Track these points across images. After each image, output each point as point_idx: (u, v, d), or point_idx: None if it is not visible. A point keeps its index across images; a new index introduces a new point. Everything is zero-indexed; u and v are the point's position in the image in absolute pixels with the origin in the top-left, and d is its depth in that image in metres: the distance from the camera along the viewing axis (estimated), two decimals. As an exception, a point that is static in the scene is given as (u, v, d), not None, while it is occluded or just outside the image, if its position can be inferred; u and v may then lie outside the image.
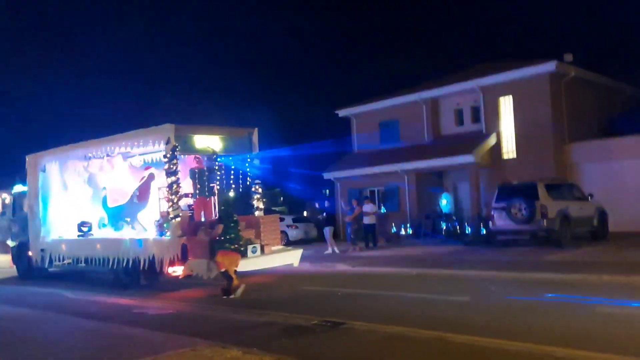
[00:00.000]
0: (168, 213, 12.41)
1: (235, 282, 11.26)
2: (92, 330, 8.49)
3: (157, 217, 13.12)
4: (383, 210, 23.28)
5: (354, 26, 75.23)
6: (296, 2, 76.13)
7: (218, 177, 13.52)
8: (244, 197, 13.98)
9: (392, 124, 24.75)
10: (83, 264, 14.40)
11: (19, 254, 16.90)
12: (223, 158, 13.75)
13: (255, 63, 77.83)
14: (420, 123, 23.67)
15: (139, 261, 12.69)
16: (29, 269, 16.29)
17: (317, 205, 31.33)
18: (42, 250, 15.54)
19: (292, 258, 13.64)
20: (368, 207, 19.52)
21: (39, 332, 8.45)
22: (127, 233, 13.98)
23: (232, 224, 11.29)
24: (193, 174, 13.00)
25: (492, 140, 21.46)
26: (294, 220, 24.63)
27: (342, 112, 26.55)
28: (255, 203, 14.00)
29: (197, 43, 76.65)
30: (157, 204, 13.45)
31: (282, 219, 24.93)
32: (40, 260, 15.62)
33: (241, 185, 13.99)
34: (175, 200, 12.28)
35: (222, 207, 11.88)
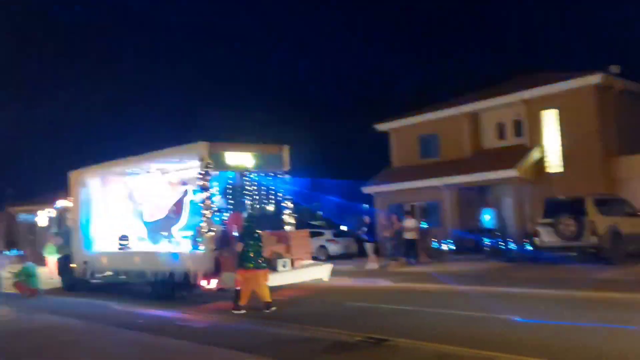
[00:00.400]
0: (202, 228, 12.75)
1: (245, 302, 11.18)
2: (138, 342, 8.58)
3: (192, 231, 13.50)
4: (424, 225, 22.99)
5: (392, 39, 75.28)
6: (334, 16, 76.77)
7: (249, 193, 14.04)
8: (275, 213, 14.42)
9: (432, 138, 24.52)
10: (123, 276, 14.87)
11: (64, 266, 17.40)
12: (255, 175, 14.15)
13: (292, 78, 78.64)
14: (461, 137, 23.37)
15: (175, 274, 13.08)
16: (73, 281, 16.72)
17: (358, 220, 31.16)
18: (84, 262, 16.05)
19: (321, 273, 13.85)
20: (409, 222, 19.30)
21: (88, 343, 8.61)
22: (163, 247, 14.49)
23: (252, 242, 11.27)
24: (226, 190, 13.52)
25: (536, 154, 20.98)
26: (334, 235, 24.52)
27: (381, 127, 26.47)
28: (286, 218, 14.26)
29: (235, 59, 78.02)
30: (191, 219, 13.87)
31: (321, 234, 24.98)
32: (82, 272, 16.10)
33: (272, 201, 14.46)
34: (208, 215, 12.64)
35: (246, 224, 11.95)
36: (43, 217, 20.01)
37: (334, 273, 17.65)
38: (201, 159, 12.88)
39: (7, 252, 20.25)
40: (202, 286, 12.51)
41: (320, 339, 8.59)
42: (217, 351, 7.66)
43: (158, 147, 14.37)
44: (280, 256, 12.83)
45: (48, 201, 22.11)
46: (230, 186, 13.85)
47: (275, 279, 12.28)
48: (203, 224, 12.73)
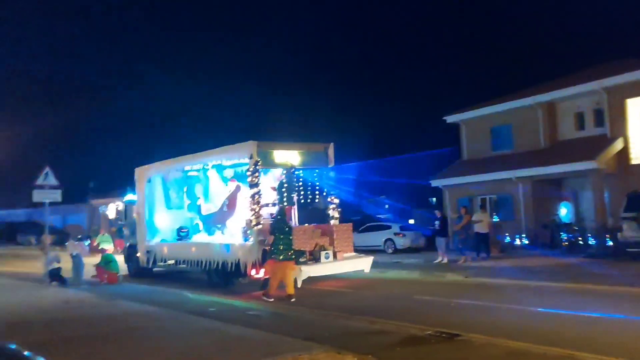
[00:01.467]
0: (251, 221, 13.59)
1: (274, 291, 11.91)
2: (211, 329, 8.82)
3: (243, 224, 14.24)
4: (496, 218, 22.28)
5: (461, 28, 73.30)
6: (400, 5, 75.68)
7: (296, 189, 14.86)
8: (321, 208, 15.14)
9: (505, 130, 23.66)
10: (183, 265, 15.92)
11: (130, 255, 18.49)
12: (301, 171, 14.89)
13: (359, 70, 78.30)
14: (536, 128, 22.41)
15: (227, 263, 13.94)
16: (138, 268, 17.75)
17: (428, 213, 30.67)
18: (147, 252, 17.13)
19: (363, 264, 14.47)
20: (479, 216, 18.76)
21: (166, 329, 8.94)
22: (218, 238, 15.37)
23: (282, 235, 11.99)
24: (277, 186, 14.45)
25: (618, 145, 19.80)
26: (401, 229, 24.25)
27: (450, 118, 25.83)
28: (331, 213, 14.86)
29: (298, 52, 78.64)
30: (243, 213, 14.60)
31: (388, 227, 24.78)
32: (146, 260, 17.16)
33: (318, 197, 15.14)
34: (257, 210, 13.51)
35: (278, 217, 12.63)
36: (112, 209, 21.25)
37: (402, 266, 17.55)
38: (250, 157, 13.67)
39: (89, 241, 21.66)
40: (252, 275, 13.31)
41: (390, 332, 8.51)
42: (287, 340, 7.75)
43: (222, 144, 15.22)
44: (323, 248, 13.61)
45: (121, 195, 23.38)
46: (278, 182, 14.67)
47: (318, 270, 13.25)
48: (252, 218, 13.52)
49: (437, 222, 18.57)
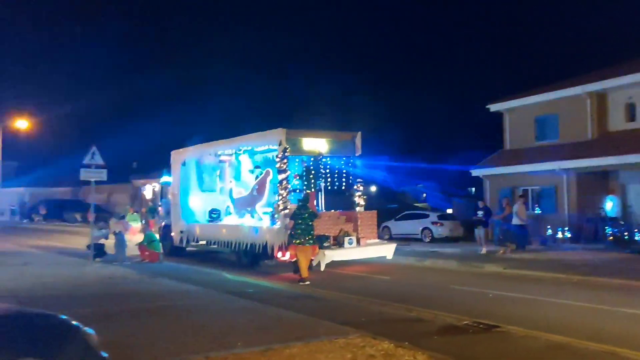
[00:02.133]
0: (278, 205, 14.03)
1: (305, 274, 12.35)
2: (250, 309, 8.98)
3: (271, 208, 14.73)
4: (538, 211, 21.77)
5: (507, 14, 71.34)
6: (446, -6, 74.13)
7: (323, 176, 15.18)
8: (348, 195, 15.45)
9: (550, 119, 22.97)
10: (215, 245, 16.42)
11: (165, 235, 18.94)
12: (328, 159, 15.24)
13: (402, 56, 77.32)
14: (583, 118, 21.66)
15: (255, 245, 14.46)
16: (172, 247, 18.14)
17: (470, 203, 30.25)
18: (181, 232, 17.77)
19: (386, 251, 14.90)
20: (520, 207, 18.35)
21: (206, 307, 9.15)
22: (247, 221, 15.85)
23: (300, 220, 12.44)
24: (303, 172, 14.84)
25: (671, 138, 18.97)
26: (439, 218, 24.00)
27: (493, 107, 25.22)
28: (356, 200, 15.15)
29: (342, 37, 78.14)
30: (271, 197, 15.21)
31: (426, 216, 24.56)
32: (179, 240, 17.78)
33: (344, 184, 15.47)
34: (284, 195, 13.91)
35: (300, 203, 12.93)
36: (149, 190, 21.86)
37: (439, 256, 17.39)
38: (279, 144, 14.08)
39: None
40: (278, 257, 13.79)
41: (427, 321, 8.49)
42: (323, 324, 7.82)
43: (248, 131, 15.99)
44: (347, 234, 14.11)
45: (159, 176, 24.03)
46: (306, 169, 14.93)
47: (341, 254, 13.90)
48: (279, 202, 13.95)
49: (480, 212, 18.27)
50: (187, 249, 18.07)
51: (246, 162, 16.91)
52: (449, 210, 30.11)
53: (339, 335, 7.07)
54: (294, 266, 12.90)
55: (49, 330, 4.26)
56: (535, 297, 10.46)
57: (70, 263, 15.31)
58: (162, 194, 20.22)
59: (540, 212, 21.63)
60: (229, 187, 17.04)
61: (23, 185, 49.54)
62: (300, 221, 12.47)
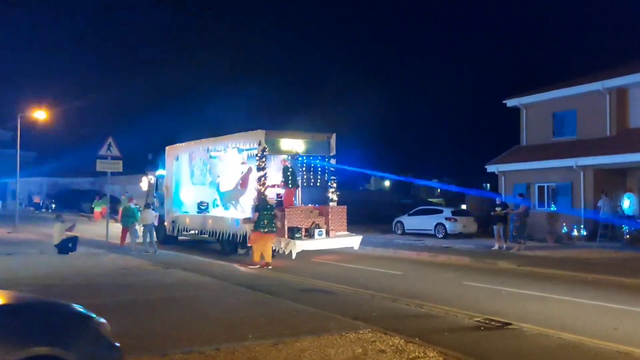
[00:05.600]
0: (256, 199, 15.30)
1: (268, 259, 13.90)
2: (261, 302, 9.02)
3: (252, 202, 15.77)
4: (553, 208, 21.55)
5: (524, 8, 70.39)
6: (464, -13, 73.31)
7: (300, 173, 16.54)
8: (322, 190, 16.72)
9: (568, 115, 22.68)
10: (205, 235, 17.57)
11: (159, 224, 19.55)
12: (304, 158, 16.51)
13: (417, 52, 76.81)
14: (602, 114, 21.35)
15: (236, 235, 15.74)
16: (165, 236, 19.27)
17: (485, 199, 30.00)
18: (173, 221, 19.04)
19: (353, 242, 16.00)
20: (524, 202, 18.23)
21: (218, 299, 9.24)
22: (231, 213, 17.04)
23: (265, 212, 13.98)
24: (283, 170, 15.97)
25: (693, 136, 18.64)
26: (453, 213, 23.82)
27: (510, 102, 24.96)
28: (330, 195, 16.45)
29: (355, 31, 77.78)
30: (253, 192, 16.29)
31: (440, 212, 24.39)
32: (171, 229, 19.03)
33: (319, 180, 16.86)
34: (262, 190, 15.24)
35: (262, 197, 14.63)
36: (145, 182, 22.70)
37: (452, 251, 17.31)
38: (259, 144, 15.39)
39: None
40: None
41: (438, 317, 8.46)
42: (333, 318, 7.83)
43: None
44: (318, 226, 15.34)
45: (152, 169, 24.88)
46: (283, 167, 16.02)
47: (311, 244, 15.14)
48: (257, 197, 15.27)
49: (497, 208, 18.10)
50: (180, 238, 19.34)
51: (234, 158, 18.00)
52: (463, 206, 29.90)
53: (350, 329, 7.09)
54: (250, 251, 14.35)
55: (63, 320, 4.32)
56: (548, 294, 10.37)
57: (85, 253, 15.50)
58: (157, 186, 21.37)
59: (555, 209, 21.42)
60: (217, 181, 18.10)
61: (41, 175, 50.17)
62: (265, 212, 13.98)
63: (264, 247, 14.01)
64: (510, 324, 7.89)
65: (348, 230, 16.12)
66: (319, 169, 16.77)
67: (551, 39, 63.86)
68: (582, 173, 20.76)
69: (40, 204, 44.98)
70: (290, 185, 15.86)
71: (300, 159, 16.44)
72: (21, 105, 40.05)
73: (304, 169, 16.67)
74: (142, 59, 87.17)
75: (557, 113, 23.13)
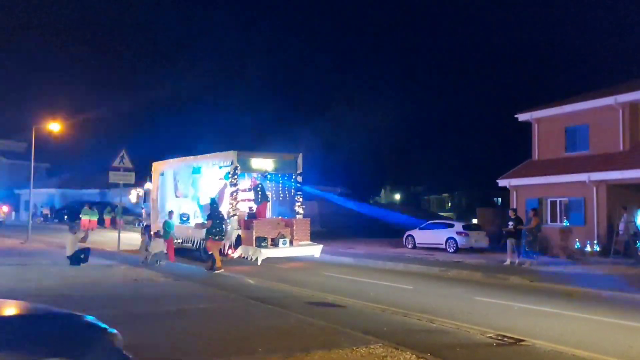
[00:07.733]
0: (229, 212, 17.11)
1: (218, 264, 14.99)
2: (271, 314, 8.98)
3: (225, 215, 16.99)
4: (566, 223, 21.36)
5: (537, 22, 70.41)
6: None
7: (270, 189, 18.55)
8: (289, 205, 18.58)
9: (581, 130, 22.55)
10: (189, 244, 18.86)
11: (146, 233, 20.48)
12: (273, 176, 18.53)
13: (428, 64, 76.95)
14: (615, 129, 21.21)
15: None
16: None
17: (493, 213, 29.77)
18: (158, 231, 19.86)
19: (314, 251, 17.71)
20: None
21: (228, 311, 9.26)
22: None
23: (217, 220, 15.41)
24: (253, 188, 17.89)
25: None
26: (464, 228, 23.65)
27: (522, 116, 24.87)
28: (296, 209, 18.28)
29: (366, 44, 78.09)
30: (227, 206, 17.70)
31: (451, 226, 24.24)
32: None
33: (287, 196, 18.80)
34: (234, 204, 17.16)
35: (214, 206, 15.76)
36: (134, 194, 23.58)
37: (463, 266, 17.18)
38: (231, 163, 17.18)
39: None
40: (229, 254, 17.19)
41: (449, 332, 8.37)
42: (344, 332, 7.78)
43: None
44: (283, 236, 16.91)
45: (140, 184, 26.33)
46: (254, 184, 17.96)
47: (275, 252, 16.74)
48: (230, 210, 17.07)
49: (510, 223, 17.90)
50: None
51: (214, 174, 19.13)
52: (474, 221, 29.71)
53: (361, 344, 7.03)
54: (211, 258, 15.28)
55: (75, 331, 4.34)
56: (562, 311, 10.25)
57: (97, 264, 15.56)
58: (145, 198, 22.68)
59: (568, 224, 21.23)
60: (198, 195, 19.86)
61: (53, 187, 50.59)
62: (217, 221, 15.41)
63: (217, 252, 15.33)
64: (523, 340, 7.80)
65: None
66: (287, 186, 18.71)
67: (563, 54, 63.77)
68: (594, 188, 20.59)
69: (49, 215, 45.34)
70: (259, 201, 17.58)
71: (269, 176, 18.34)
72: (35, 117, 40.51)
73: (273, 185, 18.64)
74: (156, 70, 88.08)
75: (569, 127, 23.01)
